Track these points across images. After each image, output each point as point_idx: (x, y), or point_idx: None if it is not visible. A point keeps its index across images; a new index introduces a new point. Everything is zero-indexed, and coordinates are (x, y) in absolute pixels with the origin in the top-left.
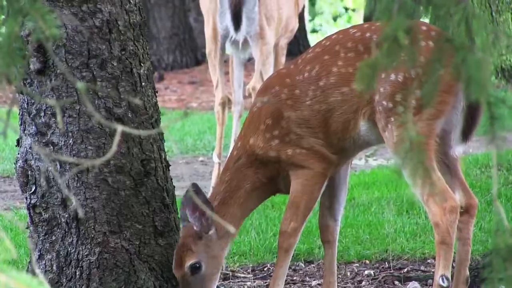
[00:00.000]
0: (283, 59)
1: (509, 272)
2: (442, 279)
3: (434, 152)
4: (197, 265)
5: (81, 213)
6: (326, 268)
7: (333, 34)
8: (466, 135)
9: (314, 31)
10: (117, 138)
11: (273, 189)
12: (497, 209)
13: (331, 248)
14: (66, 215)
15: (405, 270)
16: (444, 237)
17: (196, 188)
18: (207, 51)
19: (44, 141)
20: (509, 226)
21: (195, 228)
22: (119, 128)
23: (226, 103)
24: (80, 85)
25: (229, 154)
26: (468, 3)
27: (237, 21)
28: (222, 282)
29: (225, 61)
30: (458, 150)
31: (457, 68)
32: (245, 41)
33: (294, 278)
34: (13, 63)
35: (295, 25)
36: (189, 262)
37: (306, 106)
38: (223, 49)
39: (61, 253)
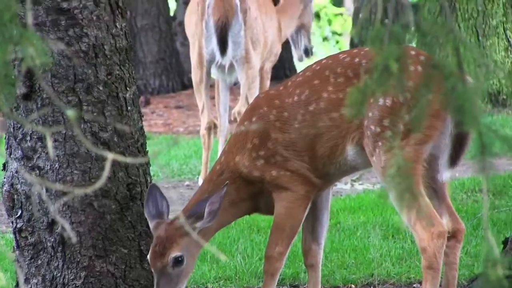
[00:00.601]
0: (267, 83)
1: None
2: None
3: (422, 177)
4: (180, 259)
5: (73, 238)
6: None
7: (323, 59)
8: (453, 160)
9: None
10: (108, 165)
11: (252, 207)
12: (487, 236)
13: (315, 272)
14: (52, 239)
15: None
16: (431, 262)
17: (157, 189)
18: (193, 76)
19: (30, 165)
20: (499, 256)
21: (200, 223)
22: (110, 155)
23: (212, 127)
24: (69, 112)
25: (212, 167)
26: (457, 31)
27: (223, 45)
28: None
29: (211, 86)
30: (445, 175)
31: (447, 96)
32: (231, 66)
33: None
34: (2, 89)
35: (278, 49)
36: (174, 254)
37: (294, 129)
38: (208, 73)
39: (47, 277)
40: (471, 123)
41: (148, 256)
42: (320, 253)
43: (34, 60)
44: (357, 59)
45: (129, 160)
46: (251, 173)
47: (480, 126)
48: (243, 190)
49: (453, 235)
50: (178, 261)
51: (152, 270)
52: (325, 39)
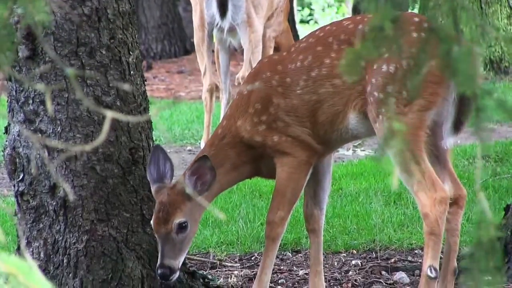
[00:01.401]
0: (270, 51)
1: (492, 264)
2: (430, 270)
3: (425, 143)
4: (184, 225)
5: (71, 198)
6: (312, 257)
7: (327, 26)
8: (457, 126)
9: (302, 21)
10: (107, 123)
11: (254, 171)
12: (481, 200)
13: (317, 237)
14: (54, 203)
15: (392, 260)
16: (433, 228)
17: (161, 150)
18: (195, 38)
19: (32, 128)
20: (492, 218)
21: (187, 189)
22: (109, 113)
23: (214, 90)
24: (69, 71)
25: (214, 131)
26: None
27: (222, 8)
28: (210, 271)
29: (212, 51)
30: (449, 141)
31: (444, 59)
32: (231, 29)
33: (282, 267)
34: (2, 49)
35: (282, 18)
36: (177, 220)
37: (296, 95)
38: (210, 37)
39: (49, 240)
40: (466, 85)
41: (152, 222)
42: (322, 218)
43: (34, 18)
44: (361, 26)
45: (130, 118)
46: (253, 138)
47: (476, 88)
48: (244, 154)
49: (455, 202)
50: (182, 227)
51: (156, 236)
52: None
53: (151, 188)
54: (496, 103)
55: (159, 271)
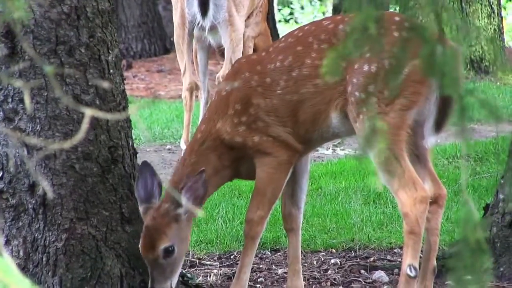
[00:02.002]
0: (250, 51)
1: (478, 264)
2: (410, 269)
3: (405, 143)
4: (170, 249)
5: (50, 196)
6: (291, 256)
7: (306, 25)
8: (439, 125)
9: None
10: (86, 121)
11: (234, 173)
12: (466, 200)
13: (295, 236)
14: (33, 201)
15: (372, 259)
16: (413, 227)
17: (149, 167)
18: (175, 37)
19: (11, 127)
20: (478, 218)
21: (178, 210)
22: (88, 111)
23: (194, 89)
24: (48, 69)
25: (192, 137)
26: None
27: (204, 7)
28: (189, 270)
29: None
30: (430, 140)
31: (426, 59)
32: (213, 28)
33: (261, 266)
34: None
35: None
36: (163, 245)
37: (277, 95)
38: (190, 35)
39: (28, 239)
40: (451, 86)
41: (140, 246)
42: (300, 217)
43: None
44: (341, 26)
45: (109, 116)
46: (233, 139)
47: (460, 89)
48: (225, 156)
49: (434, 201)
50: (168, 252)
51: (145, 262)
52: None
53: (139, 208)
54: (480, 103)
55: None
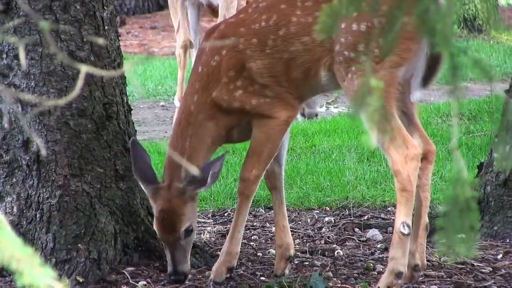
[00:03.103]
0: (243, 2)
1: (467, 223)
2: (403, 226)
3: (396, 100)
4: (190, 228)
5: (44, 153)
6: (276, 213)
7: None
8: (426, 81)
9: None
10: (81, 78)
11: (225, 139)
12: (457, 159)
13: (279, 194)
14: (27, 158)
15: (365, 217)
16: (405, 185)
17: (139, 145)
18: None
19: (6, 83)
20: (468, 177)
21: (192, 188)
22: (83, 68)
23: (188, 46)
24: (43, 25)
25: (182, 109)
26: None
27: None
28: None
29: None
30: (416, 95)
31: (419, 17)
32: None
33: (255, 223)
34: None
35: None
36: (183, 227)
37: (266, 55)
38: None
39: (22, 195)
40: (442, 45)
41: (156, 229)
42: (282, 174)
43: None
44: None
45: (104, 73)
46: (231, 105)
47: (452, 47)
48: (222, 124)
49: (424, 157)
50: (189, 231)
51: (162, 243)
52: None
53: (145, 189)
54: (472, 62)
55: (173, 278)
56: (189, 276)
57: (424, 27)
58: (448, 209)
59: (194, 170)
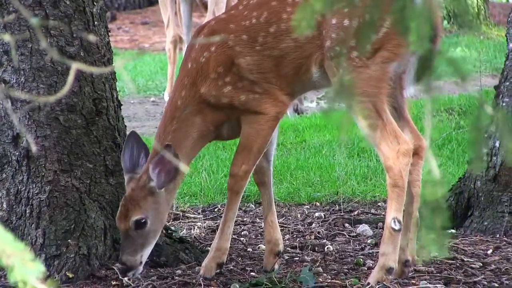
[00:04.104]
0: (233, 4)
1: (438, 224)
2: (394, 222)
3: (387, 95)
4: (143, 221)
5: (34, 149)
6: (265, 208)
7: None
8: (419, 76)
9: None
10: (71, 74)
11: (215, 136)
12: (428, 158)
13: (267, 189)
14: (17, 153)
15: (356, 212)
16: (397, 180)
17: (136, 136)
18: None
19: None
20: (440, 177)
21: (151, 183)
22: (74, 64)
23: (178, 41)
24: (33, 21)
25: (169, 104)
26: None
27: None
28: (172, 223)
29: (175, 2)
30: (409, 91)
31: (396, 15)
32: None
33: (245, 219)
34: None
35: None
36: (135, 217)
37: (256, 51)
38: None
39: (11, 191)
40: (417, 43)
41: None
42: (270, 170)
43: None
44: None
45: (93, 69)
46: (220, 101)
47: (426, 46)
48: (209, 120)
49: (415, 152)
50: (140, 224)
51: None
52: None
53: (125, 177)
54: (446, 61)
55: (118, 266)
56: (137, 274)
57: (400, 25)
58: (420, 209)
59: (184, 167)
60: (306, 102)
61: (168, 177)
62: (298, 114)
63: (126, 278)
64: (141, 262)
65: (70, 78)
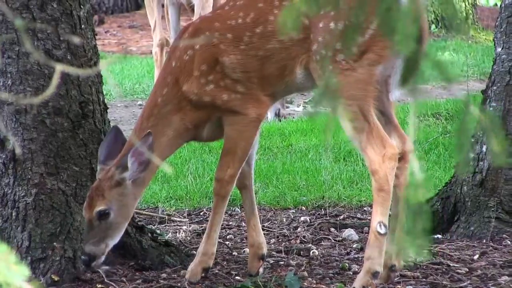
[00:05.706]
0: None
1: (420, 226)
2: (380, 226)
3: (373, 99)
4: (106, 212)
5: (18, 152)
6: (247, 212)
7: None
8: (405, 80)
9: None
10: (56, 77)
11: (192, 136)
12: (411, 161)
13: (249, 193)
14: (3, 156)
15: (341, 217)
16: (382, 185)
17: (117, 130)
18: None
19: None
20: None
21: (120, 175)
22: (59, 67)
23: (164, 44)
24: (20, 24)
25: (149, 101)
26: None
27: None
28: (158, 226)
29: (162, 5)
30: (395, 94)
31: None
32: None
33: (230, 223)
34: None
35: None
36: (98, 207)
37: (241, 50)
38: None
39: None
40: (402, 45)
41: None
42: (252, 173)
43: None
44: None
45: (80, 72)
46: (202, 99)
47: (411, 48)
48: (188, 119)
49: (401, 156)
50: (102, 215)
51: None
52: None
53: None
54: (432, 63)
55: (82, 257)
56: (100, 260)
57: (386, 27)
58: (404, 213)
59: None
60: (293, 106)
61: (141, 167)
62: (279, 118)
63: (112, 283)
64: (103, 253)
65: (55, 80)
